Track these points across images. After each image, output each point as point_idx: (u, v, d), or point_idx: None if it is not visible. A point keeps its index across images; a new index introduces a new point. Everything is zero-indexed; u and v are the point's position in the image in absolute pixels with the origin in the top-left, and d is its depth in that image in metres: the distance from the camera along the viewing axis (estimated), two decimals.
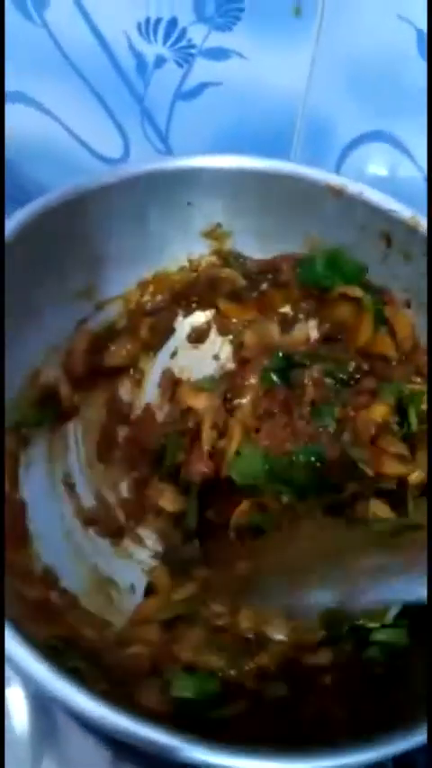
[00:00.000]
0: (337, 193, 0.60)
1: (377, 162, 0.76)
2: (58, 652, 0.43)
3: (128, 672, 0.46)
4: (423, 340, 0.61)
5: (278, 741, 0.41)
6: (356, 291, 0.60)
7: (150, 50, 0.67)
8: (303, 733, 0.43)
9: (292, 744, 0.41)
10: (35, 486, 0.56)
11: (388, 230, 0.60)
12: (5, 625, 0.40)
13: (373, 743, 0.38)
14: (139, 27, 0.65)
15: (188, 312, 0.67)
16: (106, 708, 0.39)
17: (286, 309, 0.65)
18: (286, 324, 0.65)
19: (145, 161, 0.60)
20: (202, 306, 0.66)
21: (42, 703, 0.55)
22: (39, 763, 0.54)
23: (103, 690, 0.41)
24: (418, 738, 0.39)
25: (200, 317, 0.68)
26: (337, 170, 0.76)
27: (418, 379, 0.61)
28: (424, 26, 0.63)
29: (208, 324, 0.67)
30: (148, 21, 0.64)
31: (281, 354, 0.62)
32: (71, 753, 0.54)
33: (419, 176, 0.76)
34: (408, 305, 0.62)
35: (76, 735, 0.54)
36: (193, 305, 0.66)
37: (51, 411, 0.59)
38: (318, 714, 0.44)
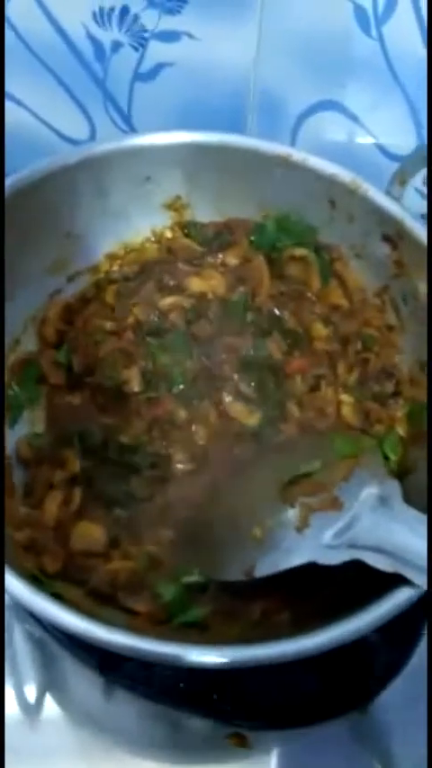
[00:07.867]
0: (284, 162, 0.64)
1: (332, 130, 0.80)
2: (40, 582, 0.49)
3: (116, 586, 0.52)
4: (370, 293, 0.66)
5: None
6: (301, 251, 0.65)
7: (107, 37, 0.72)
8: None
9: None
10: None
11: (331, 194, 0.64)
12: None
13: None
14: (94, 16, 0.70)
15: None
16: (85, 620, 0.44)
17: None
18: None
19: (103, 140, 0.65)
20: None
21: (43, 646, 0.62)
22: (42, 694, 0.61)
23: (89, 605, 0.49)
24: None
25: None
26: (293, 139, 0.80)
27: (370, 330, 0.66)
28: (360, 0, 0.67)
29: None
30: (102, 9, 0.69)
31: None
32: (69, 684, 0.62)
33: (373, 141, 0.81)
34: (358, 257, 0.66)
35: (73, 668, 0.60)
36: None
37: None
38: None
